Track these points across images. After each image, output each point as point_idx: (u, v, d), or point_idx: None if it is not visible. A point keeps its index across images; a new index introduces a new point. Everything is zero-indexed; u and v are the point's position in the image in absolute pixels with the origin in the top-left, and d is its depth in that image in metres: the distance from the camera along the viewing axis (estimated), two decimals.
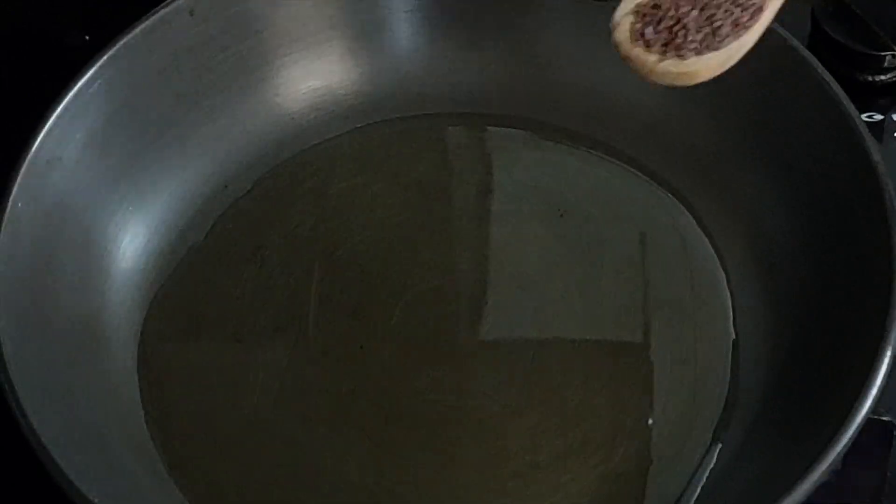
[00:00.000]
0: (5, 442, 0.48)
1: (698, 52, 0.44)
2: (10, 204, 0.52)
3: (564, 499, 0.52)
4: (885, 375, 0.47)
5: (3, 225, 0.51)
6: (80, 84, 0.55)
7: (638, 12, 0.45)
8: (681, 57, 0.44)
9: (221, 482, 0.52)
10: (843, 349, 0.50)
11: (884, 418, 0.50)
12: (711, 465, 0.52)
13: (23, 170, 0.53)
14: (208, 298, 0.58)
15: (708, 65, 0.44)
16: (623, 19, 0.44)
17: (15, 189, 0.52)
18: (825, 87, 0.55)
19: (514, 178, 0.62)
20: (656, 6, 0.44)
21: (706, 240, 0.58)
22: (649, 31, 0.44)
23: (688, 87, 0.59)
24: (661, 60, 0.44)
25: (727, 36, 0.43)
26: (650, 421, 0.53)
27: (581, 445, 0.53)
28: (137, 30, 0.57)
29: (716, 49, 0.43)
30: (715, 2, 0.44)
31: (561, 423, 0.53)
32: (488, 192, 0.61)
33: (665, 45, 0.44)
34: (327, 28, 0.63)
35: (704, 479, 0.52)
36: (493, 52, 0.63)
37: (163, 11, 0.58)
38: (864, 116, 0.54)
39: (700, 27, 0.43)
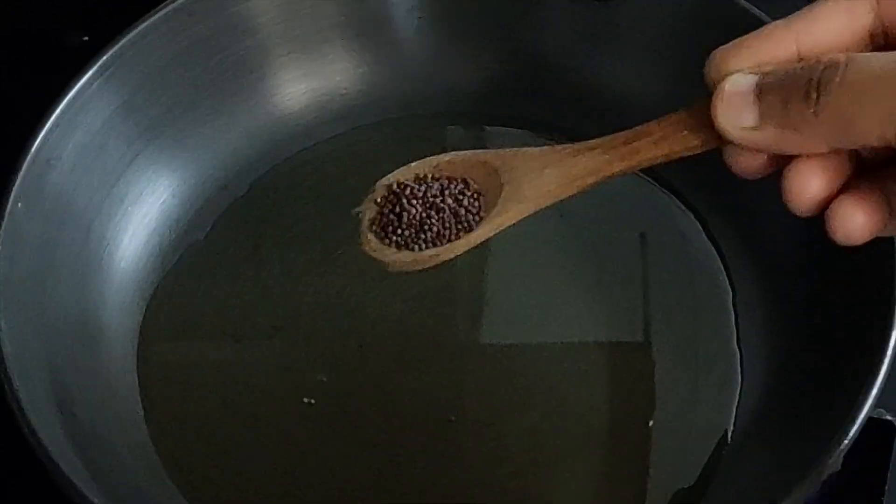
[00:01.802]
0: (5, 442, 0.48)
1: (398, 246, 0.43)
2: (10, 204, 0.52)
3: (564, 498, 0.52)
4: (885, 375, 0.47)
5: (3, 225, 0.51)
6: (80, 84, 0.55)
7: (398, 184, 0.44)
8: (383, 241, 0.43)
9: (221, 482, 0.52)
10: (844, 349, 0.50)
11: (884, 418, 0.50)
12: (711, 465, 0.52)
13: (23, 170, 0.53)
14: (207, 298, 0.58)
15: (395, 260, 0.43)
16: (380, 188, 0.44)
17: (15, 189, 0.52)
18: None
19: None
20: (408, 188, 0.44)
21: (706, 239, 0.58)
22: (383, 211, 0.44)
23: (684, 84, 0.59)
24: (370, 238, 0.44)
25: (426, 241, 0.43)
26: (650, 421, 0.53)
27: (581, 445, 0.53)
28: (137, 30, 0.57)
29: (411, 249, 0.43)
30: (439, 205, 0.43)
31: (561, 423, 0.53)
32: None
33: (381, 226, 0.44)
34: (326, 28, 0.63)
35: (704, 479, 0.52)
36: (492, 52, 0.63)
37: (162, 11, 0.58)
38: None
39: (410, 224, 0.43)
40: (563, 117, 0.63)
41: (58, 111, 0.54)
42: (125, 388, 0.55)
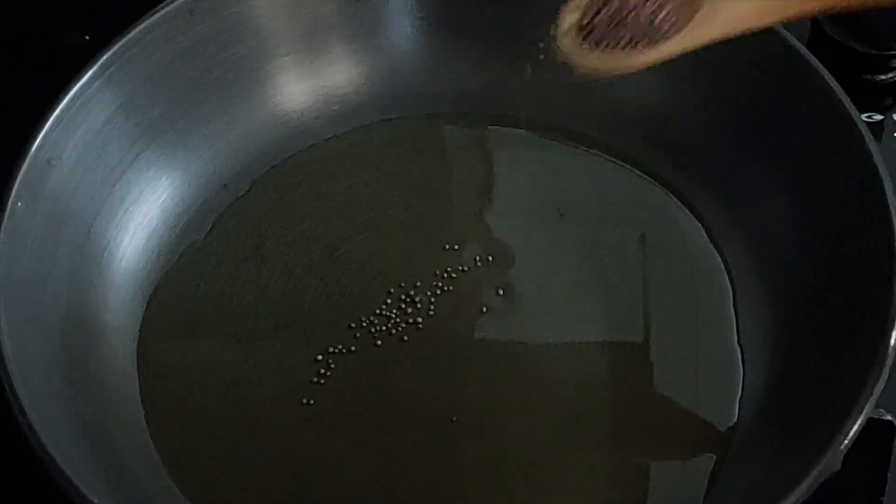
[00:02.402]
0: (5, 442, 0.48)
1: (590, 48, 0.46)
2: (10, 204, 0.52)
3: (564, 498, 0.52)
4: (885, 375, 0.47)
5: (3, 225, 0.51)
6: (80, 84, 0.55)
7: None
8: (578, 45, 0.46)
9: (221, 482, 0.52)
10: (844, 349, 0.50)
11: (884, 418, 0.50)
12: (712, 465, 0.52)
13: (23, 170, 0.53)
14: (208, 298, 0.58)
15: (585, 63, 0.46)
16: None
17: (15, 189, 0.52)
18: (825, 88, 0.55)
19: (514, 178, 0.62)
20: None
21: (707, 240, 0.58)
22: (582, 15, 0.46)
23: (685, 84, 0.60)
24: (565, 40, 0.47)
25: (618, 47, 0.46)
26: (650, 420, 0.53)
27: (581, 445, 0.53)
28: (137, 30, 0.57)
29: (601, 53, 0.46)
30: (635, 15, 0.45)
31: (561, 423, 0.53)
32: (488, 192, 0.61)
33: (578, 29, 0.46)
34: (327, 28, 0.63)
35: (705, 479, 0.52)
36: (492, 52, 0.63)
37: (163, 11, 0.58)
38: (863, 116, 0.54)
39: (604, 29, 0.46)
40: (563, 117, 0.63)
41: (58, 111, 0.55)
42: (126, 388, 0.55)
